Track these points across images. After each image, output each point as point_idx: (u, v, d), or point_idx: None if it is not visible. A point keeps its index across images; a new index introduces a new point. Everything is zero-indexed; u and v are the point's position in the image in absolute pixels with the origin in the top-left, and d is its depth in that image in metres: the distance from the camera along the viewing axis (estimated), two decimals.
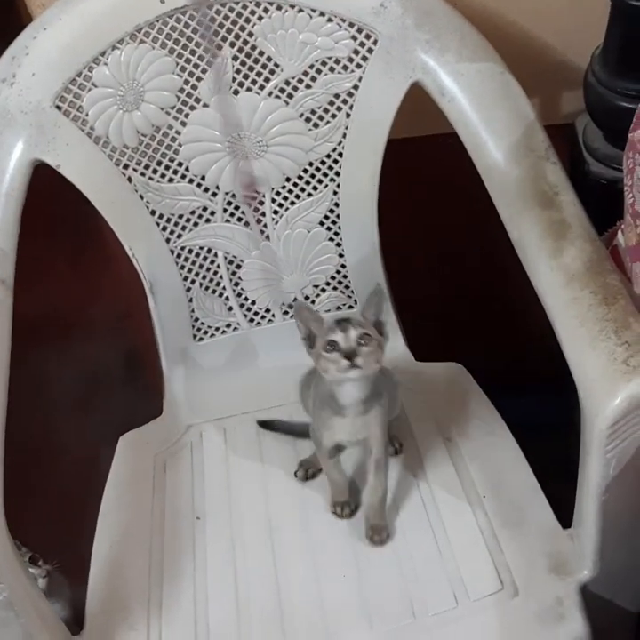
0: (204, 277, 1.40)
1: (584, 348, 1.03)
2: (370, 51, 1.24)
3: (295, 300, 1.42)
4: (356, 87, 1.27)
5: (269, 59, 1.26)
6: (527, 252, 1.16)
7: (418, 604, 1.12)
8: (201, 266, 1.39)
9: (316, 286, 1.44)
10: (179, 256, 1.37)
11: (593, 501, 1.05)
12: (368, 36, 1.24)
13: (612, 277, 1.08)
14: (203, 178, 1.32)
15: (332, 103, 1.29)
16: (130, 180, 1.30)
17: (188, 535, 1.24)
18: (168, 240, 1.36)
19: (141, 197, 1.32)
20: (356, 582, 1.15)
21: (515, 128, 1.23)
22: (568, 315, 1.06)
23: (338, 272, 1.43)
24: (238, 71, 1.26)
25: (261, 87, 1.27)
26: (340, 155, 1.32)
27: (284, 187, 1.35)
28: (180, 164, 1.31)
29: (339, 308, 1.46)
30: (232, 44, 1.24)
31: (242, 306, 1.44)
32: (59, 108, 1.22)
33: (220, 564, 1.20)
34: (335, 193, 1.36)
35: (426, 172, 1.51)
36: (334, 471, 1.24)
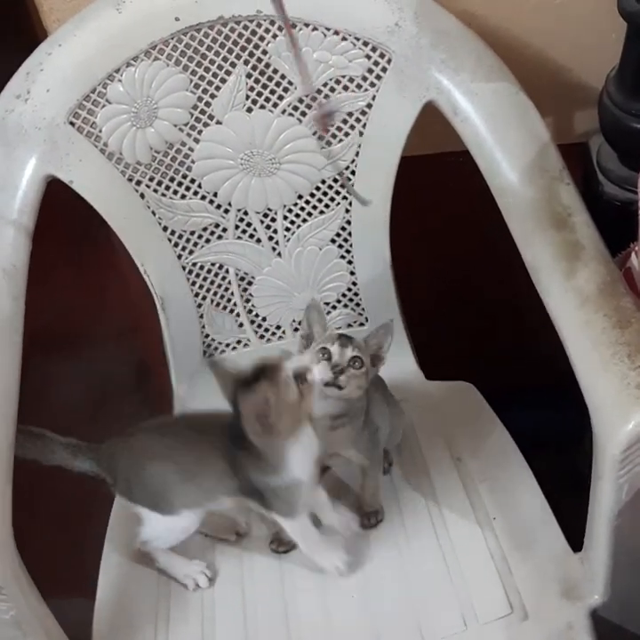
0: (215, 294, 1.40)
1: (597, 371, 1.02)
2: (384, 69, 1.24)
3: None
4: (369, 106, 1.27)
5: (283, 77, 1.26)
6: (540, 273, 1.15)
7: (426, 628, 1.11)
8: (212, 282, 1.39)
9: (327, 303, 1.43)
10: (190, 272, 1.37)
11: (604, 526, 1.04)
12: (382, 55, 1.24)
13: (626, 300, 1.08)
14: (215, 194, 1.33)
15: (345, 121, 1.29)
16: (142, 196, 1.30)
17: (197, 552, 1.23)
18: (180, 256, 1.36)
19: (154, 214, 1.32)
20: (365, 604, 1.15)
21: (529, 149, 1.22)
22: (581, 337, 1.06)
23: (349, 290, 1.43)
24: (252, 89, 1.26)
25: (275, 105, 1.27)
26: (353, 173, 1.32)
27: (296, 204, 1.35)
28: (192, 181, 1.31)
29: (349, 325, 1.46)
30: (246, 62, 1.24)
31: (252, 322, 1.44)
32: (72, 123, 1.23)
33: (228, 582, 1.20)
34: (347, 211, 1.36)
35: (437, 190, 1.51)
36: None
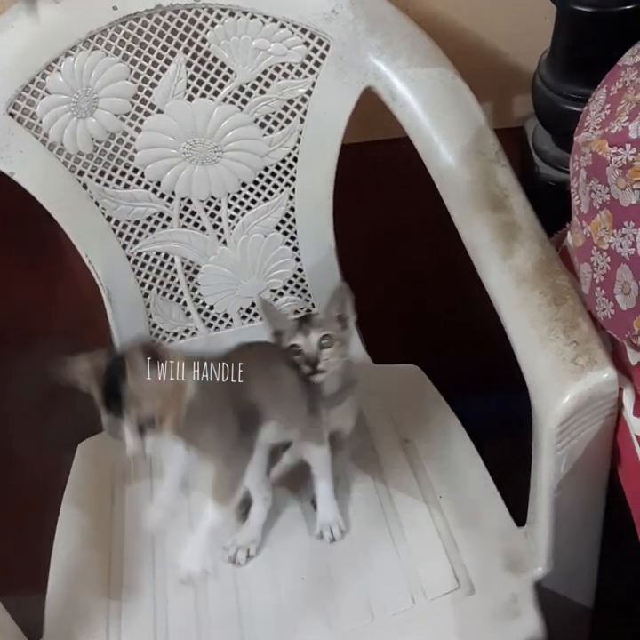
0: (162, 283, 1.40)
1: (534, 347, 1.05)
2: (322, 56, 1.25)
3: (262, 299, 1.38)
4: (309, 92, 1.28)
5: (223, 65, 1.26)
6: (479, 254, 1.17)
7: (376, 604, 1.13)
8: (158, 271, 1.39)
9: (274, 290, 1.44)
10: (135, 262, 1.37)
11: (545, 499, 1.07)
12: (320, 42, 1.25)
13: (562, 278, 1.10)
14: (158, 184, 1.33)
15: (286, 108, 1.30)
16: (85, 186, 1.30)
17: (148, 542, 1.24)
18: (124, 246, 1.36)
19: (97, 204, 1.32)
20: (315, 584, 1.16)
21: (466, 132, 1.24)
22: (518, 315, 1.08)
23: (295, 276, 1.44)
24: (192, 77, 1.27)
25: (215, 93, 1.28)
26: (295, 160, 1.33)
27: (239, 192, 1.36)
28: (135, 171, 1.31)
29: (296, 311, 1.47)
30: (186, 51, 1.25)
31: (200, 311, 1.45)
32: (12, 114, 1.22)
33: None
34: (291, 197, 1.37)
35: (381, 177, 1.52)
36: None
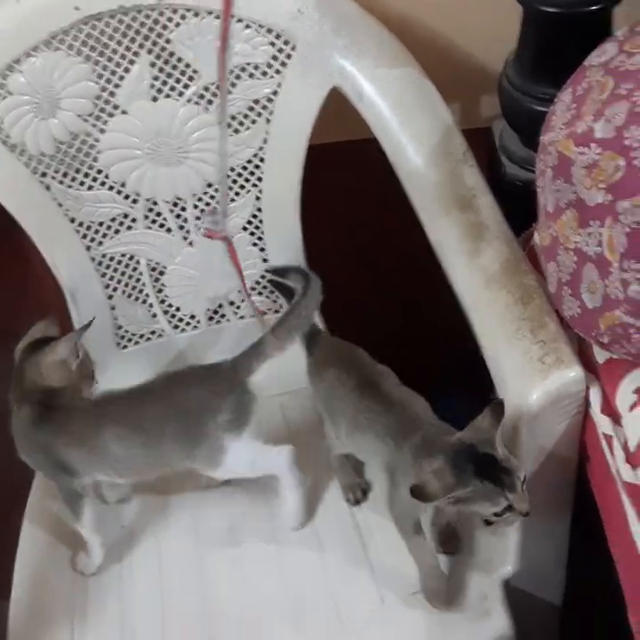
0: (127, 285, 1.39)
1: (501, 347, 1.05)
2: (288, 56, 1.25)
3: None
4: (275, 93, 1.28)
5: (188, 65, 1.25)
6: (446, 254, 1.18)
7: (344, 606, 1.13)
8: (123, 273, 1.38)
9: (241, 292, 1.44)
10: (100, 264, 1.36)
11: None
12: (286, 42, 1.24)
13: (529, 278, 1.11)
14: (123, 185, 1.31)
15: (251, 109, 1.29)
16: (48, 188, 1.28)
17: (114, 545, 1.23)
18: (88, 248, 1.34)
19: (60, 205, 1.30)
20: (283, 586, 1.16)
21: (433, 132, 1.24)
22: (486, 314, 1.09)
23: (263, 277, 1.43)
24: (156, 78, 1.26)
25: (180, 93, 1.27)
26: (262, 160, 1.33)
27: (205, 193, 1.35)
28: (99, 172, 1.30)
29: (264, 313, 1.46)
30: (149, 51, 1.24)
31: (166, 312, 1.43)
32: None
33: (145, 571, 1.20)
34: (258, 198, 1.36)
35: (348, 177, 1.52)
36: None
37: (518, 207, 1.18)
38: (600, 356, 1.03)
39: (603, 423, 1.01)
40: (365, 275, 1.63)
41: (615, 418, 0.99)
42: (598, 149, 0.88)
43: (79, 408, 1.18)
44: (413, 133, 1.24)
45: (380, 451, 1.10)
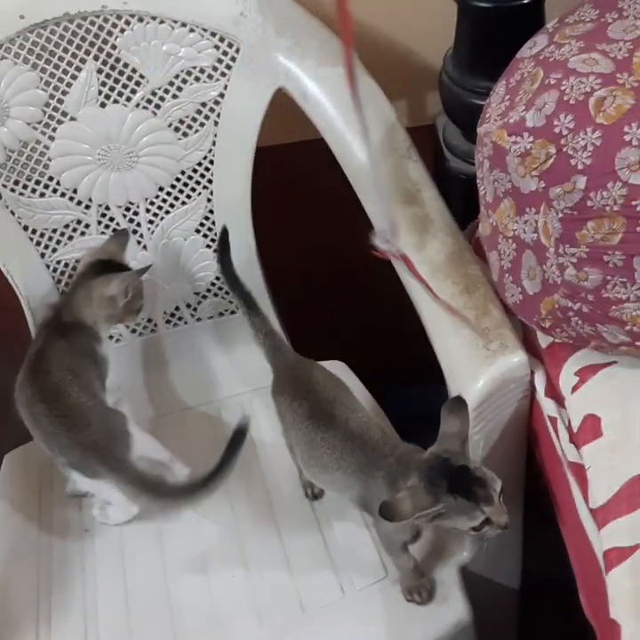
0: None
1: (448, 335, 1.07)
2: (233, 59, 1.27)
3: None
4: (222, 95, 1.29)
5: (134, 70, 1.27)
6: None
7: (306, 597, 1.14)
8: None
9: (197, 294, 1.45)
10: (55, 270, 1.37)
11: None
12: (230, 45, 1.26)
13: (473, 267, 1.13)
14: (75, 191, 1.33)
15: (199, 112, 1.31)
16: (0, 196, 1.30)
17: (77, 548, 1.24)
18: (43, 255, 1.35)
19: (13, 213, 1.31)
20: (245, 581, 1.17)
21: (377, 129, 1.26)
22: (433, 305, 1.10)
23: (218, 278, 1.45)
24: (104, 84, 1.27)
25: (128, 99, 1.28)
26: (212, 162, 1.34)
27: (157, 196, 1.36)
28: (50, 179, 1.31)
29: (221, 314, 1.48)
30: (96, 58, 1.25)
31: None
32: None
33: (108, 573, 1.21)
34: (209, 200, 1.38)
35: (301, 177, 1.54)
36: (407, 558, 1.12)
37: (463, 199, 1.21)
38: (543, 340, 1.05)
39: (548, 406, 1.03)
40: (320, 272, 1.65)
41: (559, 400, 1.02)
42: (530, 138, 0.90)
43: None
44: (358, 131, 1.26)
45: (351, 486, 1.08)
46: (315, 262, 1.61)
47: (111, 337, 1.40)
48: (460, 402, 0.99)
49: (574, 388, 0.98)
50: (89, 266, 1.28)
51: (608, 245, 0.87)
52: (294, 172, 1.52)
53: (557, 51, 0.94)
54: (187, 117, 1.31)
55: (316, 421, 1.11)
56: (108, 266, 1.27)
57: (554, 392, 1.03)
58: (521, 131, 0.91)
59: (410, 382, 1.64)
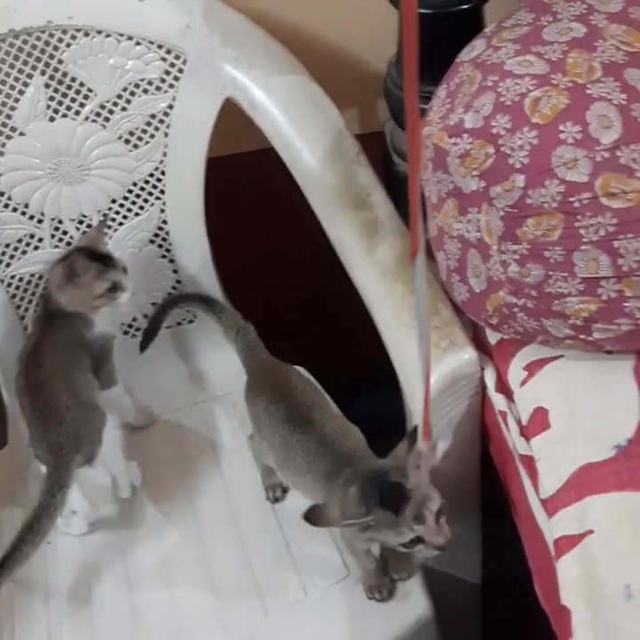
0: (38, 304, 1.40)
1: (399, 336, 1.09)
2: (180, 71, 1.28)
3: None
4: (170, 107, 1.31)
5: (82, 84, 1.28)
6: (345, 251, 1.22)
7: (269, 599, 1.15)
8: (33, 293, 1.39)
9: (154, 304, 1.45)
10: (9, 285, 1.37)
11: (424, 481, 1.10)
12: (177, 57, 1.27)
13: None
14: (26, 205, 1.33)
15: (149, 124, 1.32)
16: None
17: (39, 562, 1.23)
18: None
19: None
20: (209, 587, 1.18)
21: (326, 136, 1.28)
22: (384, 306, 1.13)
23: (174, 288, 1.45)
24: (52, 98, 1.28)
25: (77, 112, 1.29)
26: (163, 173, 1.35)
27: (110, 208, 1.37)
28: (1, 194, 1.32)
29: (179, 323, 1.49)
30: (43, 72, 1.26)
31: None
32: None
33: (72, 584, 1.21)
34: (162, 211, 1.39)
35: (250, 187, 1.55)
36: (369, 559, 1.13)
37: None
38: (492, 337, 1.08)
39: (498, 401, 1.05)
40: (278, 277, 1.66)
41: (509, 395, 1.04)
42: (469, 139, 0.92)
43: None
44: (307, 138, 1.28)
45: (318, 490, 1.09)
46: (272, 267, 1.63)
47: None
48: (414, 431, 1.00)
49: (523, 382, 1.00)
50: (63, 255, 1.27)
51: (548, 241, 0.89)
52: (243, 183, 1.54)
53: (494, 54, 0.97)
54: (136, 129, 1.32)
55: (293, 424, 1.13)
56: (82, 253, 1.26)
57: (503, 387, 1.05)
58: (460, 132, 0.93)
59: (372, 386, 1.66)
